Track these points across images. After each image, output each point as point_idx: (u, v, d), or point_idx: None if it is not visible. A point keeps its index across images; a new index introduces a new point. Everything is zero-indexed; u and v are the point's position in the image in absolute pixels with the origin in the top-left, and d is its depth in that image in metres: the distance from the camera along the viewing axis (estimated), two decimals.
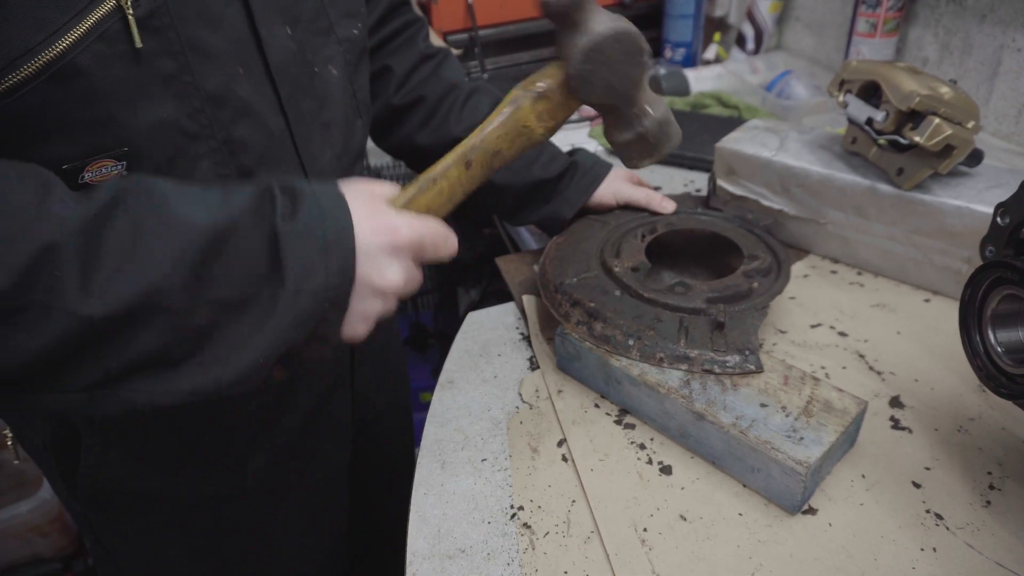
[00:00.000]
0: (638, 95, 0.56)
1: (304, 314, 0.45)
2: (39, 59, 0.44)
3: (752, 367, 0.62)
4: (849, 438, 0.60)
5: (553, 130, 0.59)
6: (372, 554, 1.03)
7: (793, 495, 0.55)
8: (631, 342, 0.64)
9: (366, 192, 0.51)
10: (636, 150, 0.59)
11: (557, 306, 0.71)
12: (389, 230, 0.49)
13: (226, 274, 0.43)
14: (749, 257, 0.75)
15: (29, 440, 0.68)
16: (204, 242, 0.42)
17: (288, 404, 0.72)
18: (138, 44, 0.48)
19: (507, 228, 1.19)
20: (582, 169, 0.87)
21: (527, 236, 1.03)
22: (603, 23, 0.55)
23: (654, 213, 0.86)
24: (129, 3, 0.47)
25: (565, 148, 0.90)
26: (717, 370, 0.62)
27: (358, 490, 0.91)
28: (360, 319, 0.49)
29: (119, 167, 0.50)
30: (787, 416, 0.58)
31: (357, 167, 0.74)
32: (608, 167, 0.89)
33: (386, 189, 0.54)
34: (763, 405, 0.59)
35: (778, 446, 0.55)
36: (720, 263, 0.82)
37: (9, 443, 0.69)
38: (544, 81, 0.55)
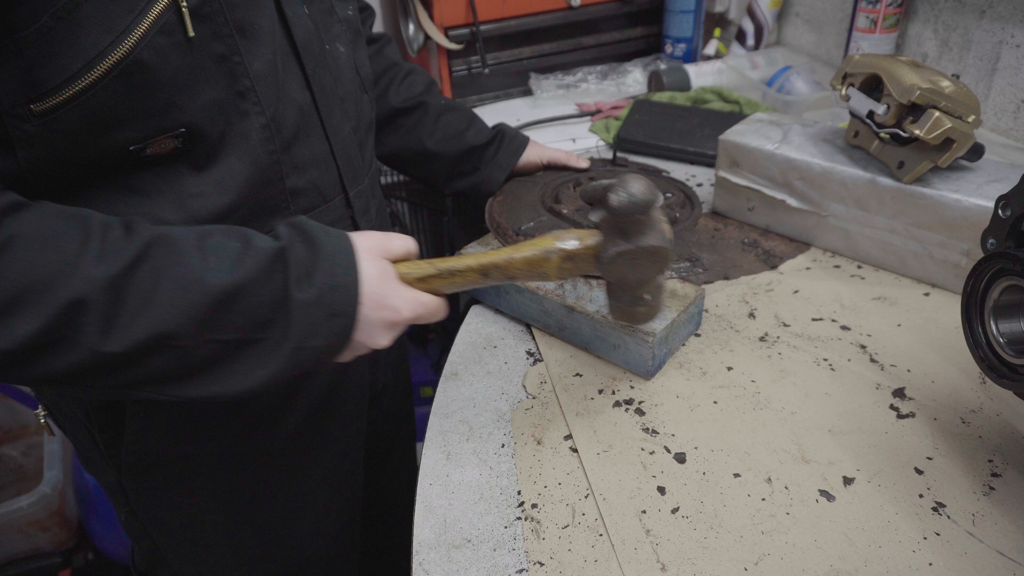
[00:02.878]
0: (648, 286, 0.61)
1: (302, 363, 0.53)
2: (109, 59, 0.48)
3: (700, 270, 0.82)
4: (692, 318, 0.73)
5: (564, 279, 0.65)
6: (380, 532, 1.04)
7: (646, 361, 0.68)
8: None
9: (379, 262, 0.56)
10: (623, 315, 0.64)
11: None
12: (391, 310, 0.56)
13: (231, 323, 0.51)
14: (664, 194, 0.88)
15: (67, 413, 0.69)
16: (213, 300, 0.49)
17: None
18: (190, 33, 0.52)
19: None
20: (509, 135, 0.96)
21: None
22: (652, 238, 0.57)
23: (574, 170, 0.99)
24: None
25: (567, 140, 0.91)
26: (673, 275, 0.77)
27: (369, 464, 0.93)
28: (348, 357, 0.57)
29: (177, 141, 0.54)
30: None
31: (369, 140, 0.78)
32: (526, 137, 0.99)
33: (396, 245, 0.59)
34: None
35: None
36: None
37: (42, 420, 0.71)
38: (577, 245, 0.59)
